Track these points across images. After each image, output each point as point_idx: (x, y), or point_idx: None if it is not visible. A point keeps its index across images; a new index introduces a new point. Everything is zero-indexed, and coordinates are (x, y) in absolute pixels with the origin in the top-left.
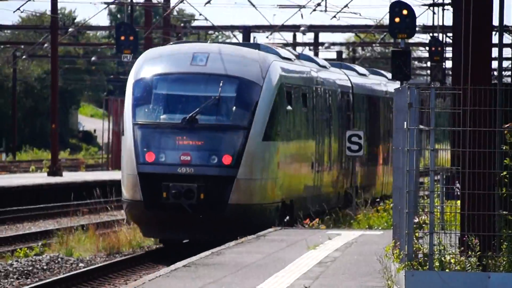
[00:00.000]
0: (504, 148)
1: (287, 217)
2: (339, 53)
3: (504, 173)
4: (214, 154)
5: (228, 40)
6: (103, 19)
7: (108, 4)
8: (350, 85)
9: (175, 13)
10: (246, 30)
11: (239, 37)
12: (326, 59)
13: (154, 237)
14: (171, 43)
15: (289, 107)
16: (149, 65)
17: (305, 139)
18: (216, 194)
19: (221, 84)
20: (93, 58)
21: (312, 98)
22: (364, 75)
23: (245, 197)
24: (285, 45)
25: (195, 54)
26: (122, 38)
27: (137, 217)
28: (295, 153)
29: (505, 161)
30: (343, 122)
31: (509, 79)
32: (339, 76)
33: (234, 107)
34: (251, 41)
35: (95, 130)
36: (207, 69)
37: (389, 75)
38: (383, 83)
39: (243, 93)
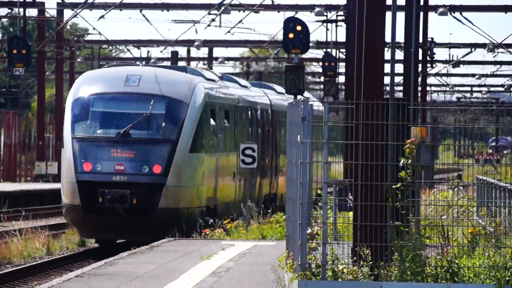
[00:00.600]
0: (402, 161)
1: (211, 220)
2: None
3: (398, 185)
4: (145, 164)
5: (121, 54)
6: None
7: (0, 17)
8: (268, 102)
9: (68, 27)
10: (174, 55)
11: (134, 51)
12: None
13: (91, 237)
14: (106, 66)
15: (213, 123)
16: (86, 85)
17: (228, 151)
18: (147, 199)
19: (152, 103)
20: None
21: (233, 115)
22: (282, 93)
23: (173, 202)
24: (179, 59)
25: (128, 75)
26: (15, 51)
27: (76, 220)
28: (218, 164)
29: (400, 173)
30: (263, 136)
31: (400, 94)
32: (258, 94)
33: (164, 123)
34: (146, 55)
35: None
36: (139, 89)
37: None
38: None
39: (171, 110)
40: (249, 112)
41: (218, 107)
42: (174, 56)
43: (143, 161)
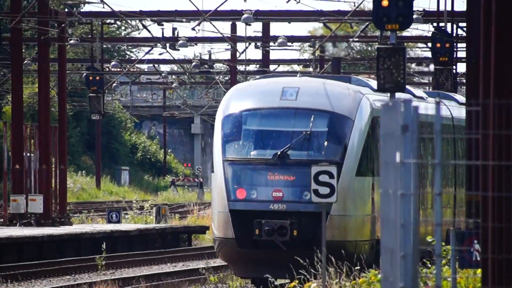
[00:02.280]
0: None
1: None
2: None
3: None
4: (306, 190)
5: (135, 33)
6: None
7: None
8: (450, 116)
9: None
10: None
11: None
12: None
13: (248, 276)
14: (258, 77)
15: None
16: (237, 100)
17: None
18: (309, 230)
19: (312, 119)
20: None
21: None
22: (464, 103)
23: (339, 233)
24: (220, 40)
25: (284, 88)
26: None
27: (230, 256)
28: None
29: None
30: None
31: None
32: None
33: (326, 142)
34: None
35: None
36: (298, 104)
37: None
38: None
39: (335, 127)
40: (428, 128)
41: None
42: (336, 65)
43: (304, 186)
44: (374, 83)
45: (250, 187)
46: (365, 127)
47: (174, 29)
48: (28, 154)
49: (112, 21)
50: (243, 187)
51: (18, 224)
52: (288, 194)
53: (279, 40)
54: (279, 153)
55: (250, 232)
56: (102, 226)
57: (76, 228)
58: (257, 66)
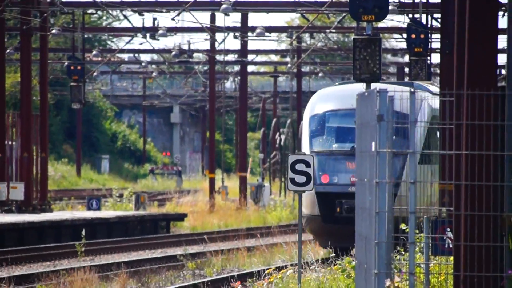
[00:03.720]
0: None
1: None
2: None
3: None
4: None
5: (114, 23)
6: None
7: None
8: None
9: None
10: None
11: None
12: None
13: (329, 246)
14: (337, 83)
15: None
16: (321, 103)
17: None
18: None
19: None
20: None
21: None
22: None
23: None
24: (199, 30)
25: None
26: None
27: (315, 229)
28: None
29: None
30: None
31: None
32: None
33: (394, 137)
34: (151, 24)
35: None
36: None
37: None
38: None
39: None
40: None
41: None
42: (400, 73)
43: None
44: (432, 88)
45: (332, 173)
46: (425, 125)
47: (154, 19)
48: (10, 142)
49: (94, 11)
50: (327, 173)
51: (0, 211)
52: None
53: (257, 31)
54: (355, 145)
55: (332, 210)
56: (82, 213)
57: (56, 215)
58: (236, 56)
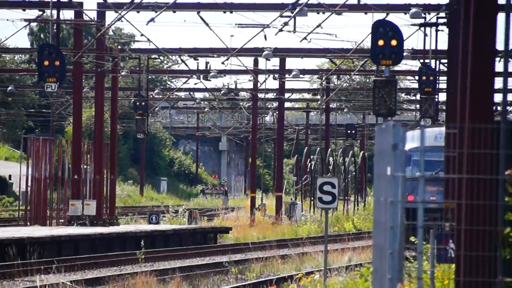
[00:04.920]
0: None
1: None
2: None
3: (508, 230)
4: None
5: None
6: (22, 40)
7: (29, 21)
8: None
9: (111, 32)
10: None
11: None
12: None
13: None
14: (418, 128)
15: None
16: (408, 142)
17: None
18: None
19: None
20: (9, 88)
21: None
22: None
23: None
24: (244, 72)
25: (436, 134)
26: (46, 63)
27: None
28: None
29: (506, 215)
30: None
31: None
32: None
33: None
34: (204, 67)
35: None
36: (443, 143)
37: None
38: None
39: None
40: None
41: None
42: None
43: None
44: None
45: (416, 194)
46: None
47: (207, 63)
48: (85, 167)
49: (156, 56)
50: (412, 194)
51: (75, 224)
52: (439, 198)
53: (293, 73)
54: (434, 173)
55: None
56: (143, 226)
57: (122, 228)
58: (275, 94)
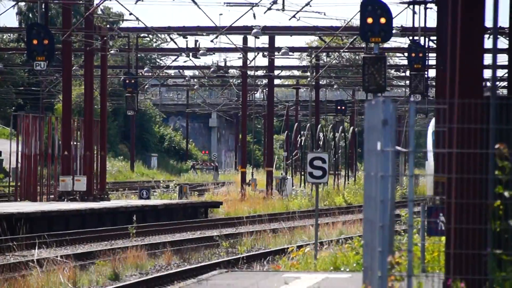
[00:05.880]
0: (497, 173)
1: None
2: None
3: (498, 203)
4: None
5: (162, 44)
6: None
7: (17, 0)
8: None
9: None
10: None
11: (178, 41)
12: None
13: None
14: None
15: None
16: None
17: None
18: None
19: None
20: None
21: None
22: None
23: None
24: (234, 50)
25: None
26: (35, 42)
27: None
28: None
29: (496, 189)
30: None
31: (504, 91)
32: None
33: None
34: (193, 45)
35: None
36: None
37: None
38: None
39: None
40: None
41: None
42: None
43: None
44: None
45: None
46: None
47: (196, 41)
48: (75, 143)
49: (145, 35)
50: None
51: (66, 199)
52: None
53: (282, 50)
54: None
55: None
56: (134, 201)
57: (113, 203)
58: (264, 71)
